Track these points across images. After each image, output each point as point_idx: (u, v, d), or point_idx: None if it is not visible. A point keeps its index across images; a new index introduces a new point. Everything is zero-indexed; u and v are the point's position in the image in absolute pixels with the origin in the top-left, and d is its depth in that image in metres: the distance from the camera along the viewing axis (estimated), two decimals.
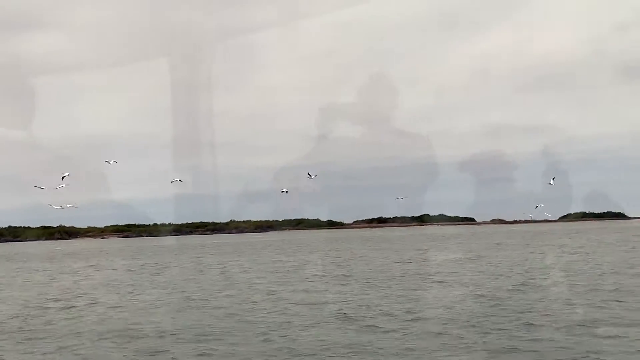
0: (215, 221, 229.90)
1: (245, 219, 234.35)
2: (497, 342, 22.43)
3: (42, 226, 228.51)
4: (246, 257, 79.34)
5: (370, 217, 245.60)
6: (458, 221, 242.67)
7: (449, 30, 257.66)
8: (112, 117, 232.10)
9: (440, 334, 24.09)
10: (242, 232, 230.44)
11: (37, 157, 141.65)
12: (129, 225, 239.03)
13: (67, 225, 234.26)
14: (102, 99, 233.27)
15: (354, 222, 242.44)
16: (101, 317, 31.67)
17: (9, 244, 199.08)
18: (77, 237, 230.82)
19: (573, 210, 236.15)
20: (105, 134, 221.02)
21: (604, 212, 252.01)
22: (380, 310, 30.00)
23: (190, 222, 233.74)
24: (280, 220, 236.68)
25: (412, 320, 27.21)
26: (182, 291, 41.55)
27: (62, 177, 58.34)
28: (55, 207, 64.86)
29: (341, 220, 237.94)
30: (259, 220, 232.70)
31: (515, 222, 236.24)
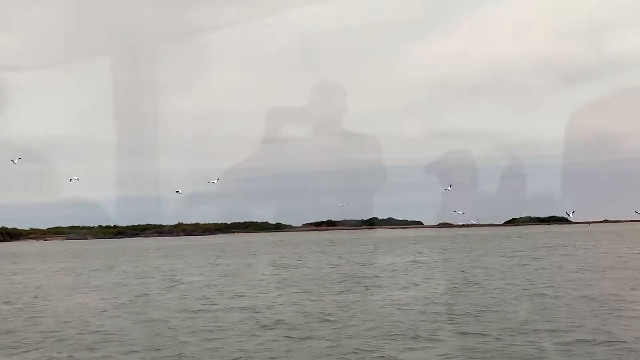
0: (163, 224, 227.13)
1: (193, 222, 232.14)
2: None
3: None
4: (182, 260, 77.93)
5: (319, 220, 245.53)
6: (406, 224, 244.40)
7: (399, 35, 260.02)
8: (55, 118, 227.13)
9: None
10: (189, 234, 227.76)
11: None
12: (72, 228, 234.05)
13: (9, 227, 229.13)
14: (43, 99, 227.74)
15: (303, 225, 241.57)
16: None
17: None
18: (19, 239, 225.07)
19: (519, 214, 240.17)
20: (50, 135, 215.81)
21: (548, 217, 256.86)
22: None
23: (136, 224, 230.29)
24: (229, 223, 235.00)
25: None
26: (115, 296, 40.10)
27: None
28: None
29: (290, 224, 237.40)
30: (207, 223, 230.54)
31: (462, 225, 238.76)
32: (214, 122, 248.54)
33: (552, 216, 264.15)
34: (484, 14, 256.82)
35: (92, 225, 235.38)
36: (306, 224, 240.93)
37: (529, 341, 21.88)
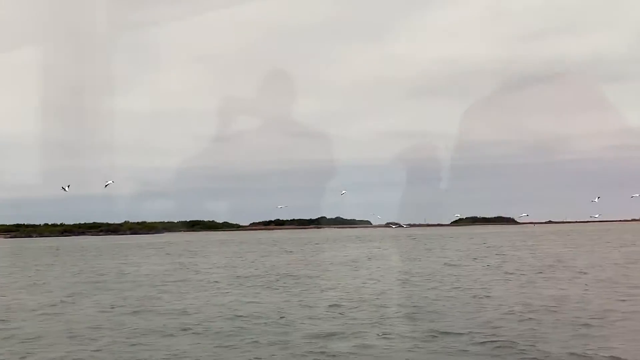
0: (109, 222, 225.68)
1: (141, 220, 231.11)
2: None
3: None
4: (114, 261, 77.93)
5: (267, 220, 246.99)
6: (354, 224, 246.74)
7: (351, 34, 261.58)
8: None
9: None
10: (136, 233, 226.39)
11: None
12: (17, 225, 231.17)
13: None
14: None
15: (251, 224, 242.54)
16: None
17: None
18: None
19: (466, 214, 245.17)
20: None
21: (494, 217, 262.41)
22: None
23: (83, 222, 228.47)
24: (176, 221, 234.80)
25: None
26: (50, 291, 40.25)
27: None
28: None
29: (237, 223, 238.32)
30: (154, 221, 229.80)
31: (410, 225, 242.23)
32: (163, 120, 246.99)
33: (499, 216, 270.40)
34: (432, 16, 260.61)
35: (38, 223, 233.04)
36: (254, 223, 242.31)
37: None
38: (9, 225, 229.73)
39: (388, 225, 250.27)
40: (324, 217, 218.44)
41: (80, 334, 25.75)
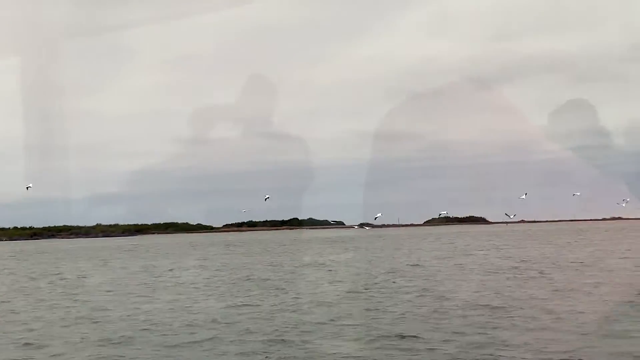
0: (80, 225, 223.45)
1: (113, 223, 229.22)
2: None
3: None
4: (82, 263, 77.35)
5: (240, 221, 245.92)
6: (328, 225, 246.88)
7: (329, 35, 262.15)
8: None
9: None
10: (108, 235, 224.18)
11: None
12: None
13: None
14: None
15: (224, 225, 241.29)
16: None
17: None
18: None
19: (438, 214, 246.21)
20: None
21: (466, 217, 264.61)
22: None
23: (53, 225, 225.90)
24: (149, 224, 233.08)
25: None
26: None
27: None
28: None
29: (211, 224, 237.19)
30: (127, 224, 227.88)
31: (383, 226, 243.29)
32: (137, 122, 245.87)
33: (471, 216, 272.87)
34: (410, 15, 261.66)
35: (7, 227, 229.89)
36: (227, 224, 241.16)
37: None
38: None
39: (361, 225, 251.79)
40: (297, 218, 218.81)
41: None
